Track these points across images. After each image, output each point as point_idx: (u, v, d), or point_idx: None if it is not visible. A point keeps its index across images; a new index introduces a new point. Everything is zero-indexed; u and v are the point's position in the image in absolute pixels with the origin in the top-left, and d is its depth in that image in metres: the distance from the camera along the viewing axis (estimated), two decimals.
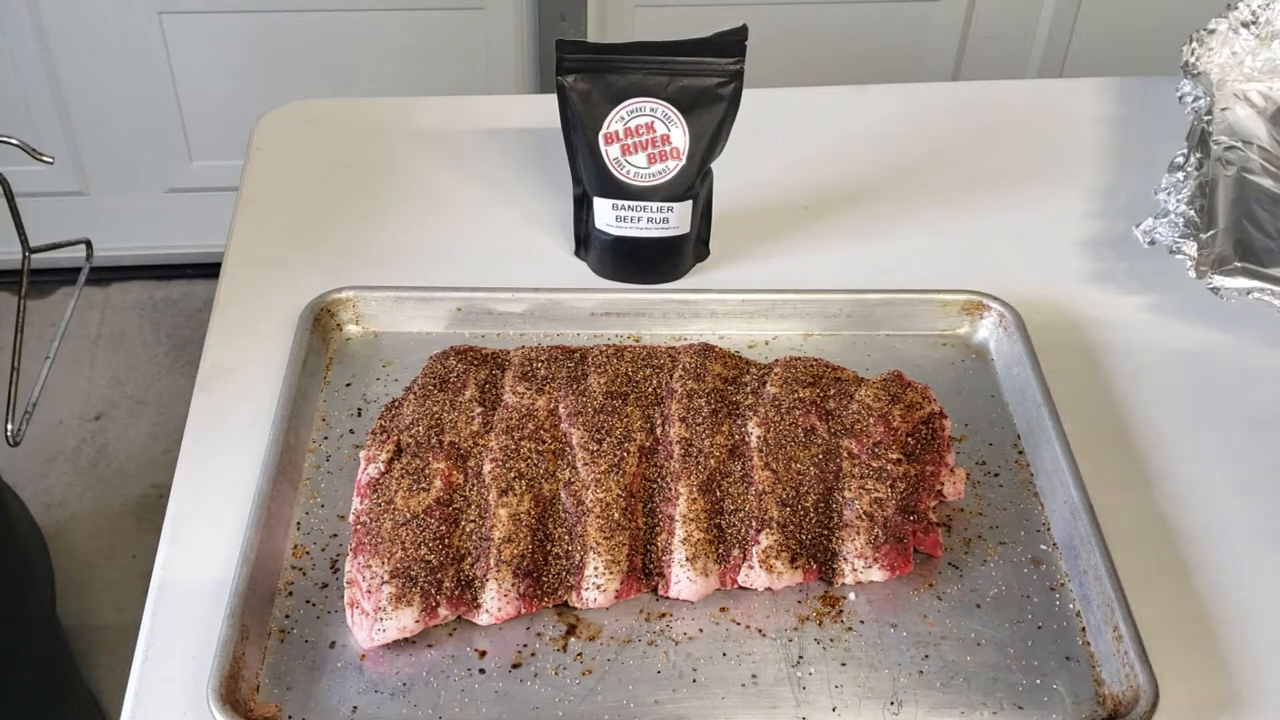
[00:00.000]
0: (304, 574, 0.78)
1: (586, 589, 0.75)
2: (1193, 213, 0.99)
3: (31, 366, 0.92)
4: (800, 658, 0.75)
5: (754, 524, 0.77)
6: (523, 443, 0.80)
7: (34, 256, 0.99)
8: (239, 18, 2.02)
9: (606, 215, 0.97)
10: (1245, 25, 1.16)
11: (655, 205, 0.96)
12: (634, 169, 0.95)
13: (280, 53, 2.06)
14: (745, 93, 0.96)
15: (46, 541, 1.48)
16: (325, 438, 0.87)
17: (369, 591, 0.73)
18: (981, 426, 0.89)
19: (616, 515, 0.77)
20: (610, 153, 0.94)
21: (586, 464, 0.79)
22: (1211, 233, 0.99)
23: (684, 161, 0.95)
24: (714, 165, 0.99)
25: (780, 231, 1.07)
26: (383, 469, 0.79)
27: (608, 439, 0.80)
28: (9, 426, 0.92)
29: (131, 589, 1.79)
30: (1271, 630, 0.78)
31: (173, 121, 2.14)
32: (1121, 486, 0.86)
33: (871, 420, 0.82)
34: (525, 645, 0.75)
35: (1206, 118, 1.09)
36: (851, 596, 0.78)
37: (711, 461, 0.80)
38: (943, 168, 1.15)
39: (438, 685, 0.73)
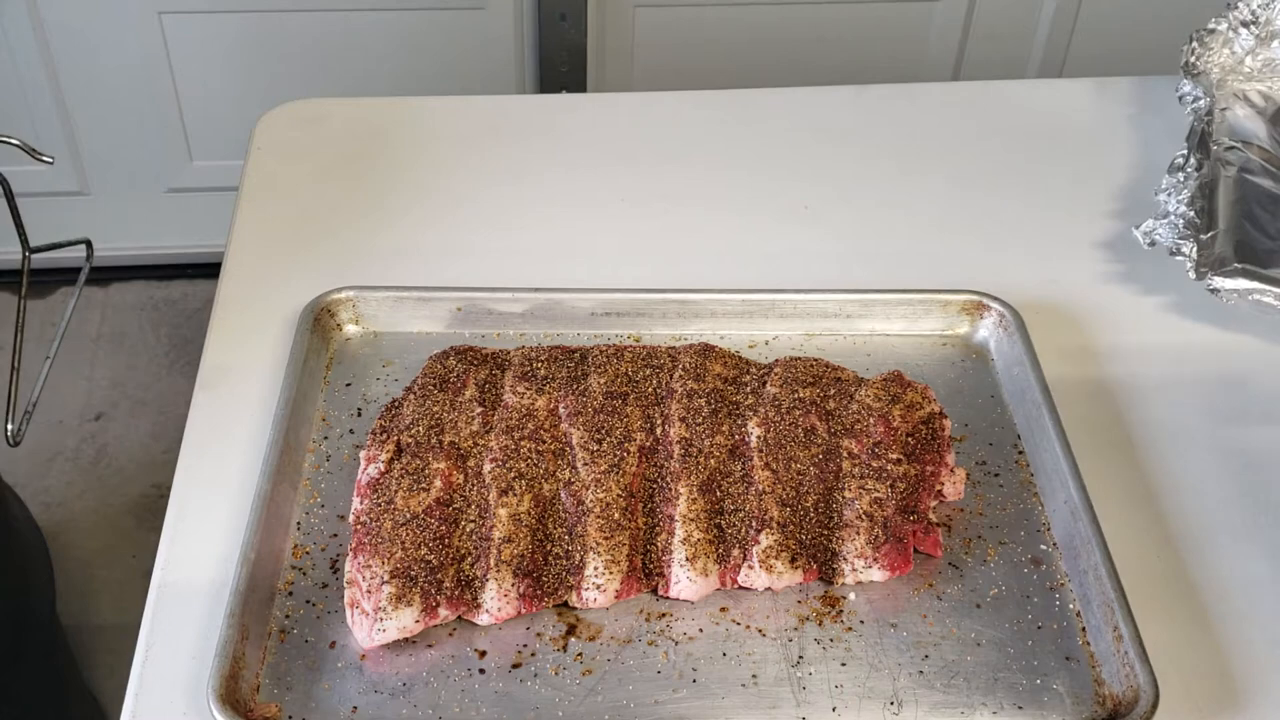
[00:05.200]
0: (304, 574, 0.78)
1: (586, 589, 0.75)
2: (1193, 214, 0.99)
3: (31, 366, 0.92)
4: (800, 658, 0.75)
5: (754, 524, 0.77)
6: (523, 443, 0.80)
7: (34, 256, 0.99)
8: (239, 18, 2.02)
9: None
10: (1245, 25, 1.16)
11: None
12: None
13: (280, 53, 2.06)
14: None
15: (46, 541, 1.48)
16: (325, 438, 0.87)
17: (369, 591, 0.73)
18: (981, 426, 0.89)
19: (616, 515, 0.77)
20: None
21: (586, 464, 0.79)
22: (1211, 234, 0.99)
23: None
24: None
25: (780, 231, 1.07)
26: (383, 469, 0.79)
27: (608, 439, 0.80)
28: (9, 426, 0.92)
29: (131, 589, 1.79)
30: (1271, 630, 0.78)
31: (173, 121, 2.14)
32: (1121, 486, 0.86)
33: (871, 420, 0.82)
34: (525, 645, 0.75)
35: (1206, 118, 1.09)
36: (851, 596, 0.78)
37: (711, 461, 0.80)
38: (943, 168, 1.15)
39: (438, 685, 0.73)
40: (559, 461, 0.80)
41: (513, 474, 0.78)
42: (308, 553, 0.79)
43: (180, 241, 2.29)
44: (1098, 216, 1.10)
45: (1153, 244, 1.00)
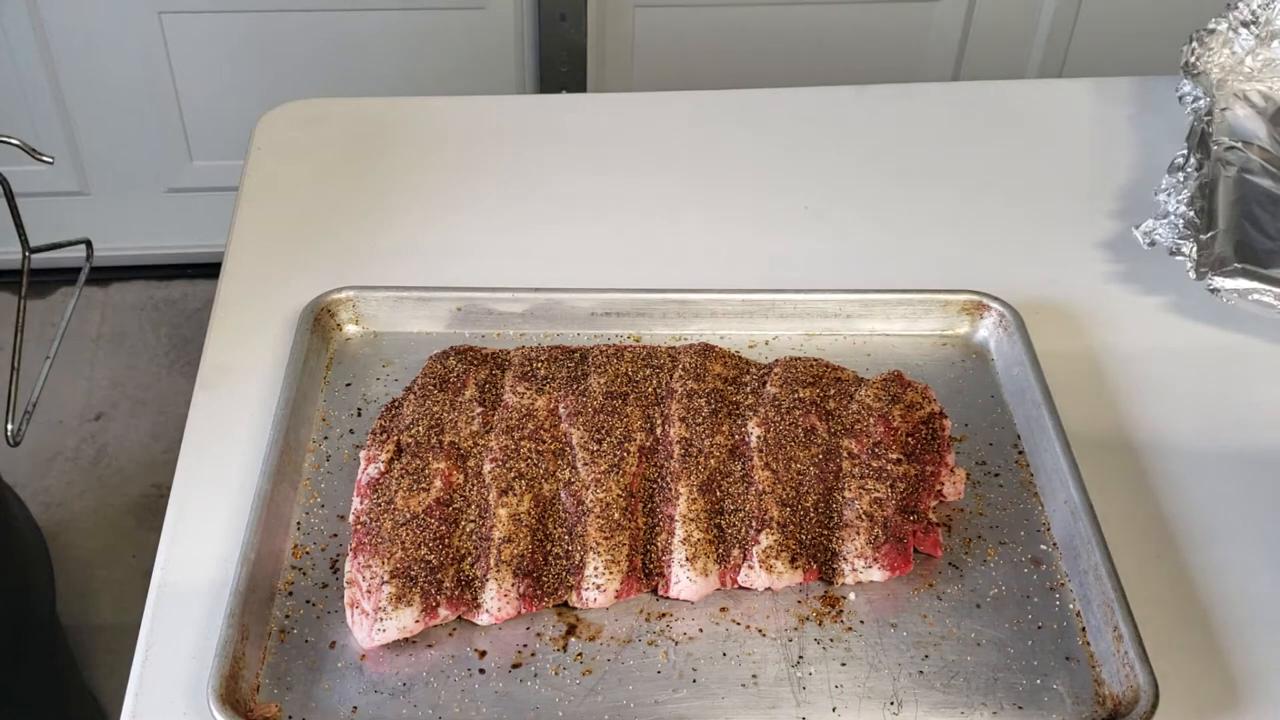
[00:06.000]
0: (304, 574, 0.78)
1: (586, 589, 0.75)
2: (1193, 214, 0.99)
3: (31, 366, 0.92)
4: (800, 658, 0.75)
5: (754, 524, 0.77)
6: (523, 443, 0.80)
7: (34, 256, 0.99)
8: (239, 18, 2.02)
9: None
10: (1245, 25, 1.16)
11: None
12: None
13: (280, 53, 2.06)
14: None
15: (46, 541, 1.48)
16: (325, 438, 0.87)
17: (369, 591, 0.73)
18: (981, 426, 0.89)
19: (616, 515, 0.77)
20: None
21: (586, 464, 0.79)
22: (1211, 234, 0.99)
23: None
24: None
25: (780, 231, 1.07)
26: (383, 469, 0.79)
27: (608, 439, 0.80)
28: (9, 426, 0.92)
29: (131, 589, 1.79)
30: (1271, 630, 0.78)
31: (173, 121, 2.14)
32: (1121, 486, 0.86)
33: (871, 420, 0.82)
34: (525, 645, 0.75)
35: (1206, 118, 1.10)
36: (851, 596, 0.78)
37: (711, 461, 0.80)
38: (943, 168, 1.15)
39: (438, 685, 0.73)
40: (559, 461, 0.80)
41: (513, 474, 0.78)
42: (308, 553, 0.79)
43: (180, 241, 2.29)
44: (1098, 216, 1.10)
45: (1153, 244, 1.00)
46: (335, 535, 0.80)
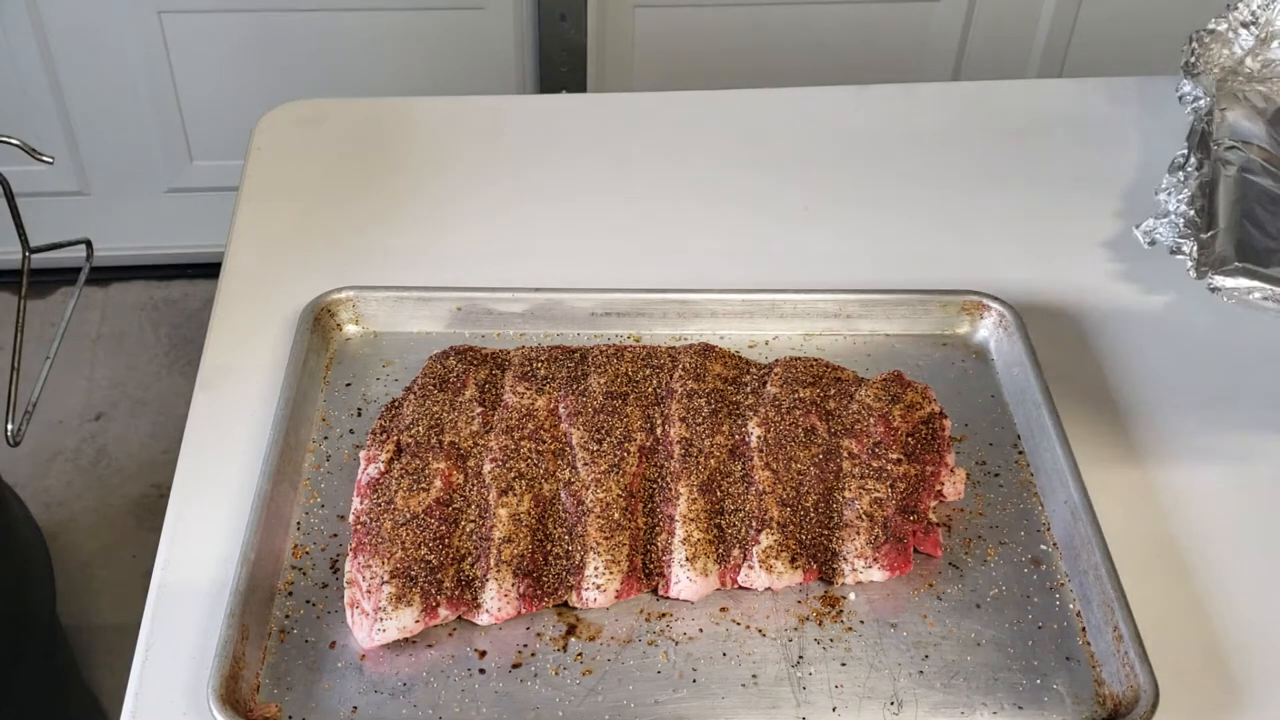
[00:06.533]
0: (304, 574, 0.78)
1: (586, 589, 0.75)
2: (1193, 213, 0.99)
3: (31, 366, 0.92)
4: (800, 658, 0.75)
5: (754, 524, 0.77)
6: (523, 443, 0.80)
7: (34, 256, 0.99)
8: (239, 18, 2.02)
9: None
10: (1245, 25, 1.16)
11: None
12: None
13: (280, 53, 2.06)
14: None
15: (46, 541, 1.48)
16: (325, 438, 0.87)
17: (369, 591, 0.73)
18: (981, 426, 0.89)
19: (616, 515, 0.77)
20: None
21: (586, 464, 0.79)
22: (1212, 233, 0.98)
23: None
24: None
25: (780, 231, 1.07)
26: (383, 469, 0.79)
27: (608, 439, 0.80)
28: (9, 426, 0.92)
29: (131, 589, 1.79)
30: (1272, 630, 0.78)
31: (173, 121, 2.14)
32: (1121, 486, 0.86)
33: (871, 420, 0.82)
34: (525, 645, 0.75)
35: (1206, 118, 1.09)
36: (851, 596, 0.78)
37: (711, 461, 0.80)
38: (943, 168, 1.15)
39: (438, 685, 0.73)
40: (559, 461, 0.80)
41: (513, 474, 0.78)
42: (308, 553, 0.79)
43: (180, 241, 2.29)
44: (1098, 216, 1.10)
45: (1153, 243, 1.00)
46: (335, 535, 0.80)
